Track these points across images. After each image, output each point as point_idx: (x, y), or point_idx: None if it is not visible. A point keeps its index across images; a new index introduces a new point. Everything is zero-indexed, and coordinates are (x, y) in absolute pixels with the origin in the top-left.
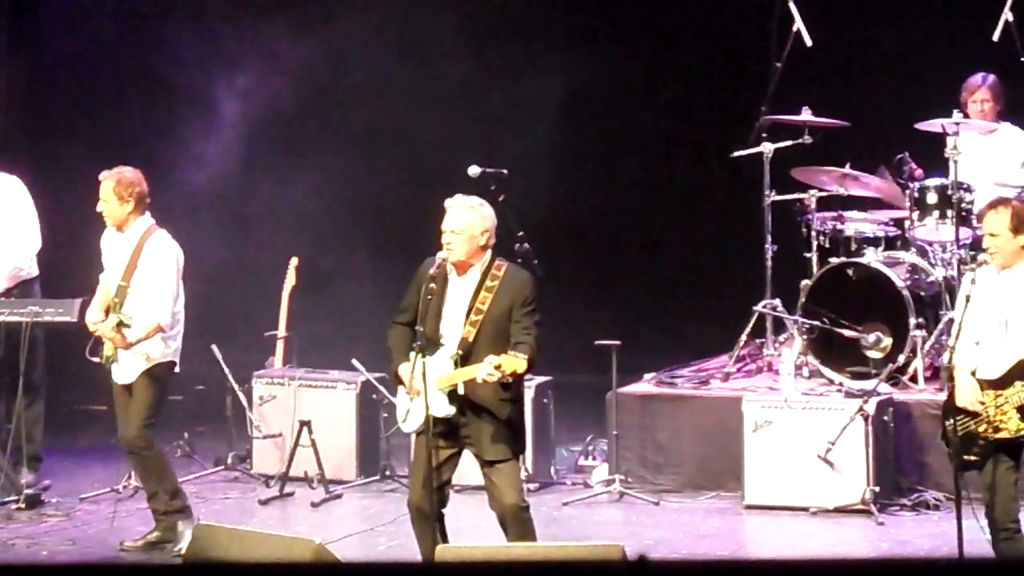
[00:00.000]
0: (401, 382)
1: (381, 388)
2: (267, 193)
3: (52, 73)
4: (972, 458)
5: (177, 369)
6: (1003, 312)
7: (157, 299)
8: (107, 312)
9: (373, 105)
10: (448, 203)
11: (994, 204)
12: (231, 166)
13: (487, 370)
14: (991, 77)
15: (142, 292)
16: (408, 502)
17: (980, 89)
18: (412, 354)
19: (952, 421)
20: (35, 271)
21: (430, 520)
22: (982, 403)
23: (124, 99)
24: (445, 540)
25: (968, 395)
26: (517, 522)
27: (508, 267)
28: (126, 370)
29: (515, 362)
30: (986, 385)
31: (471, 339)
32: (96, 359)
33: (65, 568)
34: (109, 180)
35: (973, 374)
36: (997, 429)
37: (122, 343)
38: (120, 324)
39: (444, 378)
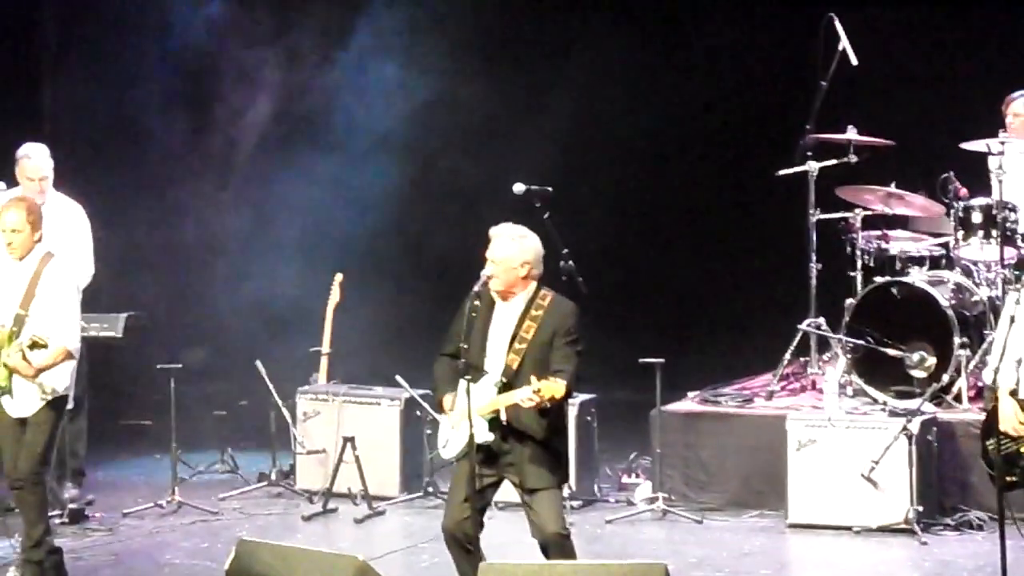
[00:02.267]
0: (443, 410)
1: (425, 405)
2: (308, 208)
3: (96, 91)
4: (1013, 479)
5: (70, 405)
6: None
7: (64, 324)
8: None
9: (412, 122)
10: (493, 232)
11: None
12: (266, 177)
13: (526, 394)
14: None
15: (43, 319)
16: (442, 527)
17: (1011, 104)
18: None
19: (994, 441)
20: None
21: (464, 545)
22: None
23: (167, 119)
24: (482, 558)
25: (1010, 419)
26: (558, 549)
27: (553, 297)
28: (24, 402)
29: (554, 387)
30: None
31: (515, 367)
32: None
33: None
34: (18, 209)
35: (1015, 394)
36: None
37: (29, 370)
38: (34, 345)
39: (486, 405)
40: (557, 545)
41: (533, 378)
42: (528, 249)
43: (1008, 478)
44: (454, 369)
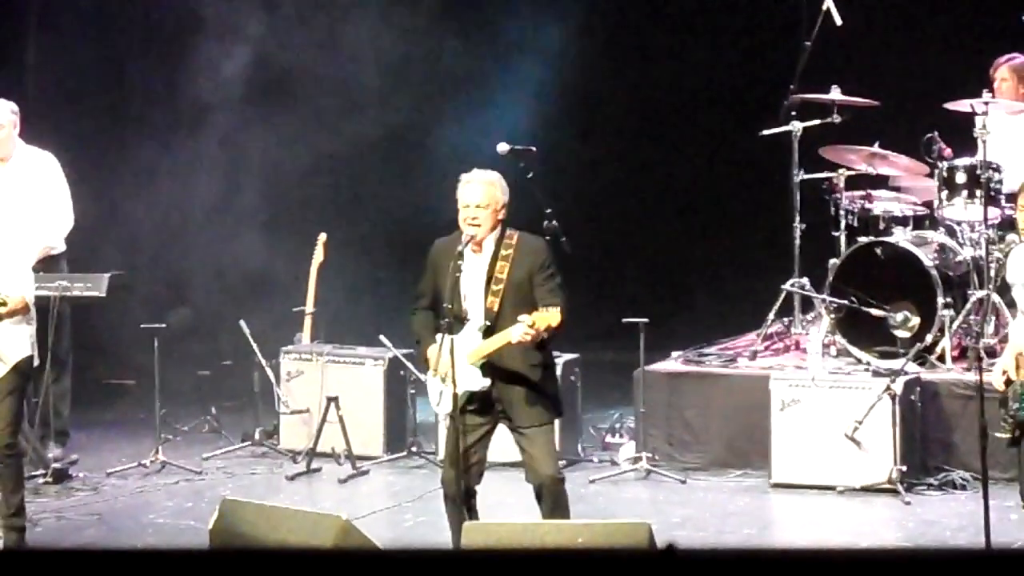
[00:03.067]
0: (428, 364)
1: (409, 364)
2: (292, 166)
3: (79, 45)
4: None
5: (36, 362)
6: None
7: (19, 277)
8: None
9: (390, 82)
10: (467, 178)
11: None
12: (246, 136)
13: (521, 330)
14: (1018, 58)
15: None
16: (442, 481)
17: (999, 68)
18: (439, 334)
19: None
20: (62, 247)
21: (462, 499)
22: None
23: (148, 77)
24: (475, 517)
25: (995, 375)
26: (553, 494)
27: (520, 235)
28: None
29: (547, 316)
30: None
31: (496, 308)
32: None
33: (90, 553)
34: None
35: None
36: None
37: None
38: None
39: (475, 351)
40: (551, 490)
41: (524, 315)
42: (505, 190)
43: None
44: (432, 321)
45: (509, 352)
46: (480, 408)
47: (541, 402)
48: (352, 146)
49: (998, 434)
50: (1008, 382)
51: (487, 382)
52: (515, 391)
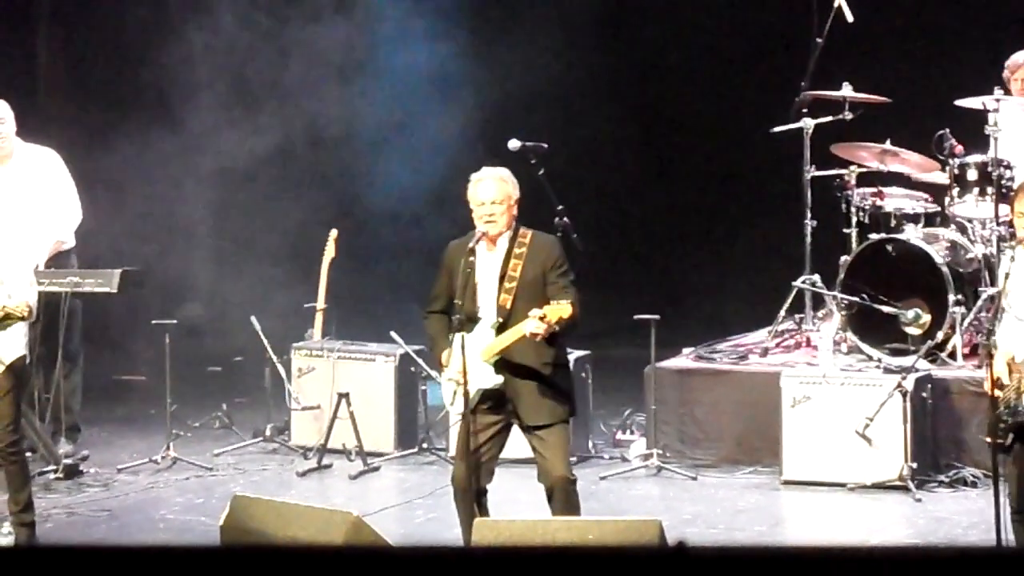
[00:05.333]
0: (444, 367)
1: (420, 361)
2: (304, 164)
3: (94, 50)
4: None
5: (28, 360)
6: None
7: (24, 279)
8: None
9: (397, 76)
10: (478, 176)
11: None
12: (265, 133)
13: (533, 324)
14: None
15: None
16: (452, 478)
17: (1020, 69)
18: (453, 333)
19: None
20: (72, 241)
21: (474, 497)
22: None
23: (157, 69)
24: (485, 514)
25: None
26: (565, 495)
27: (533, 233)
28: None
29: (559, 309)
30: (1016, 367)
31: (508, 306)
32: None
33: (101, 549)
34: None
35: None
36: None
37: None
38: (7, 317)
39: (488, 348)
40: (563, 491)
41: (535, 309)
42: (516, 186)
43: (999, 441)
44: (446, 324)
45: (521, 350)
46: (493, 406)
47: (553, 399)
48: (357, 142)
49: (987, 439)
50: (1000, 387)
51: (500, 379)
52: (527, 388)
